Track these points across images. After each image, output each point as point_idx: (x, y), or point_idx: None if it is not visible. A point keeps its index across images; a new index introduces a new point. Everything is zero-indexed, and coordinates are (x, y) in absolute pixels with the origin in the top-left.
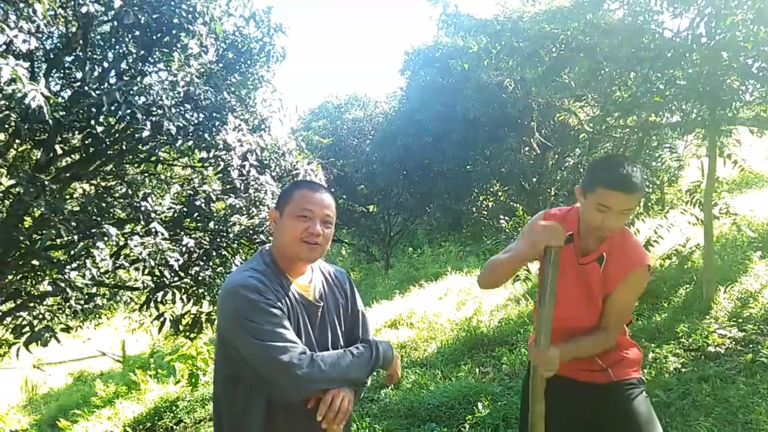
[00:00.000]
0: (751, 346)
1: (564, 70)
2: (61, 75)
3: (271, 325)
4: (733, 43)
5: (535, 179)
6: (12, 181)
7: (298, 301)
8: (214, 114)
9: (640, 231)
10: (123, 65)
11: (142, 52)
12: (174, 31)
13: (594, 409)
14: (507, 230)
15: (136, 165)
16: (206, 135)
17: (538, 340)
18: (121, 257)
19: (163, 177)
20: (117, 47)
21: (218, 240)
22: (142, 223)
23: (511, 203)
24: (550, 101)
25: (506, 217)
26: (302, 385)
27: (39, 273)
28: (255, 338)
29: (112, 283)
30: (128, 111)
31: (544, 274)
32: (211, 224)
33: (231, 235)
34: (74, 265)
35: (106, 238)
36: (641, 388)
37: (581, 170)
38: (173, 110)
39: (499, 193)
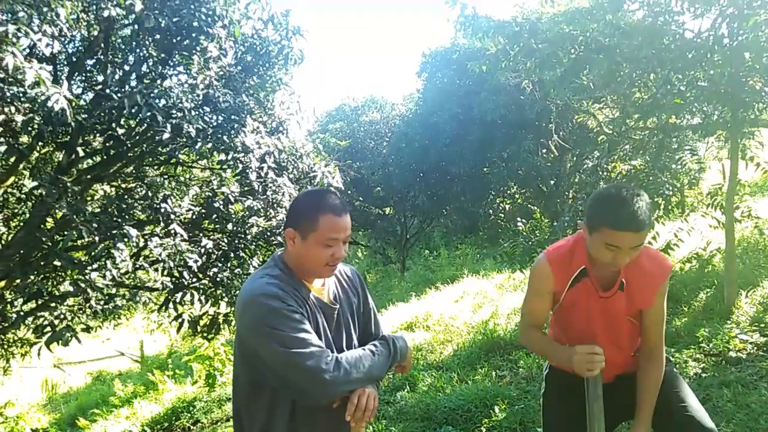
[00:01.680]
0: None
1: (583, 71)
2: (83, 78)
3: (296, 332)
4: (756, 43)
5: (552, 182)
6: (35, 183)
7: (316, 305)
8: (233, 116)
9: (659, 234)
10: (144, 68)
11: (163, 55)
12: (193, 35)
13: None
14: (524, 233)
15: (155, 167)
16: (225, 137)
17: None
18: (141, 258)
19: (182, 179)
20: (138, 50)
21: (236, 241)
22: (162, 224)
23: (529, 206)
24: (569, 103)
25: (523, 220)
26: (330, 389)
27: (60, 273)
28: (281, 346)
29: (132, 283)
30: (149, 113)
31: (587, 399)
32: (230, 226)
33: (249, 237)
34: (95, 265)
35: (126, 239)
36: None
37: (600, 173)
38: (193, 113)
39: (516, 196)
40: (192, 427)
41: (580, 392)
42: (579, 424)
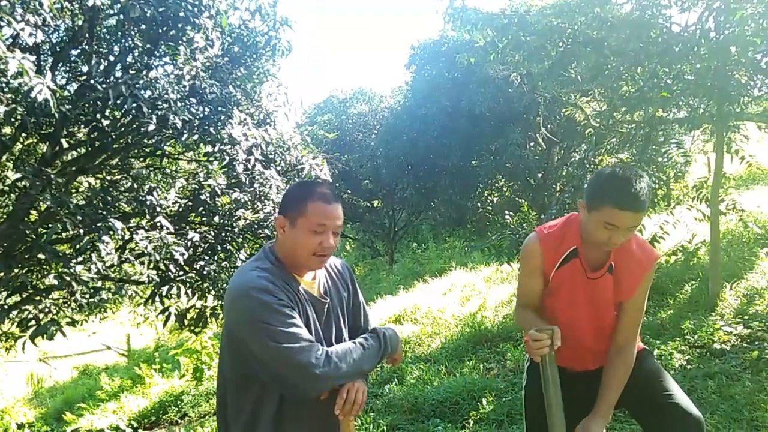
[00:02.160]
0: (756, 343)
1: (571, 64)
2: (68, 68)
3: (286, 326)
4: (742, 37)
5: (540, 175)
6: (18, 175)
7: (306, 298)
8: (220, 108)
9: (645, 227)
10: (129, 59)
11: (148, 45)
12: (180, 25)
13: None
14: (512, 225)
15: (141, 159)
16: (211, 129)
17: None
18: (127, 251)
19: (168, 171)
20: (123, 41)
21: (223, 234)
22: (148, 217)
23: (517, 199)
24: (557, 96)
25: (511, 213)
26: (320, 383)
27: (45, 267)
28: (272, 341)
29: (118, 277)
30: (134, 105)
31: (544, 383)
32: (216, 218)
33: (236, 230)
34: (80, 258)
35: (111, 232)
36: (647, 352)
37: (587, 166)
38: (179, 104)
39: (504, 189)
40: (179, 421)
41: (563, 384)
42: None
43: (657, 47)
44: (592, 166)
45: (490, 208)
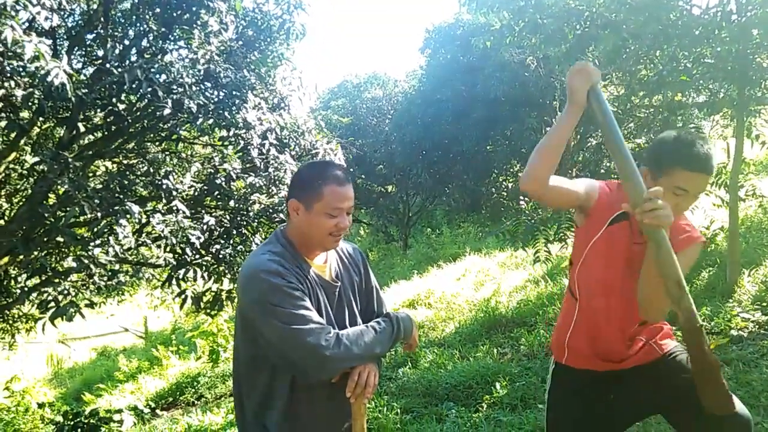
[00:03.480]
0: None
1: (588, 47)
2: (83, 53)
3: (296, 308)
4: (765, 20)
5: None
6: (36, 159)
7: (317, 282)
8: (234, 92)
9: None
10: (144, 43)
11: (163, 29)
12: (194, 8)
13: (653, 391)
14: (527, 211)
15: (157, 143)
16: (226, 113)
17: (629, 194)
18: (144, 235)
19: (183, 155)
20: (138, 25)
21: (238, 218)
22: (164, 201)
23: None
24: None
25: (526, 198)
26: (330, 365)
27: (63, 249)
28: (281, 322)
29: (135, 260)
30: (149, 89)
31: (598, 114)
32: (231, 203)
33: (251, 214)
34: (98, 242)
35: (128, 216)
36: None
37: (604, 151)
38: (193, 88)
39: (520, 174)
40: (196, 402)
41: (588, 392)
42: (585, 427)
43: (676, 30)
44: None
45: (505, 194)
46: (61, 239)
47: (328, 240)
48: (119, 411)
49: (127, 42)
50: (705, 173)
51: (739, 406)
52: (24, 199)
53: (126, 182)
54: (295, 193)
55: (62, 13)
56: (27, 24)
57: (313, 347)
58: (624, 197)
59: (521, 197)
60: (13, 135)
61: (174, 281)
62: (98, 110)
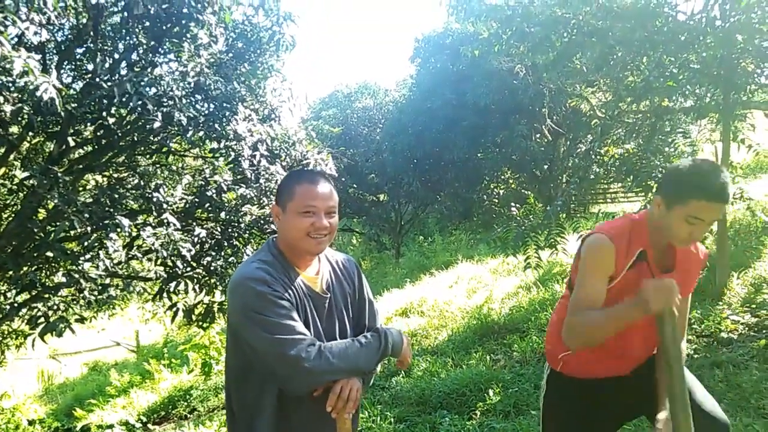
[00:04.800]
0: (764, 331)
1: (576, 55)
2: (73, 67)
3: (280, 317)
4: (748, 25)
5: (546, 166)
6: (26, 174)
7: (306, 293)
8: (225, 104)
9: None
10: (134, 56)
11: (152, 42)
12: (183, 21)
13: (646, 393)
14: (518, 218)
15: (147, 156)
16: (217, 125)
17: (671, 411)
18: (134, 248)
19: (174, 168)
20: (127, 38)
21: (230, 230)
22: (155, 213)
23: (523, 191)
24: (562, 87)
25: (517, 205)
26: (311, 378)
27: (53, 264)
28: (264, 331)
29: (126, 273)
30: (139, 102)
31: (664, 341)
32: (223, 214)
33: (242, 225)
34: (88, 256)
35: (118, 229)
36: None
37: (593, 157)
38: (184, 101)
39: (510, 181)
40: (189, 416)
41: (583, 397)
42: (580, 430)
43: (662, 36)
44: (598, 157)
45: (496, 201)
46: (51, 254)
47: (308, 242)
48: (111, 426)
49: (116, 56)
50: (722, 202)
51: (717, 411)
52: (13, 214)
53: (116, 196)
54: (276, 199)
55: (51, 27)
56: (16, 39)
57: (294, 359)
58: (636, 234)
59: (512, 204)
60: (2, 150)
61: (165, 294)
62: (88, 124)
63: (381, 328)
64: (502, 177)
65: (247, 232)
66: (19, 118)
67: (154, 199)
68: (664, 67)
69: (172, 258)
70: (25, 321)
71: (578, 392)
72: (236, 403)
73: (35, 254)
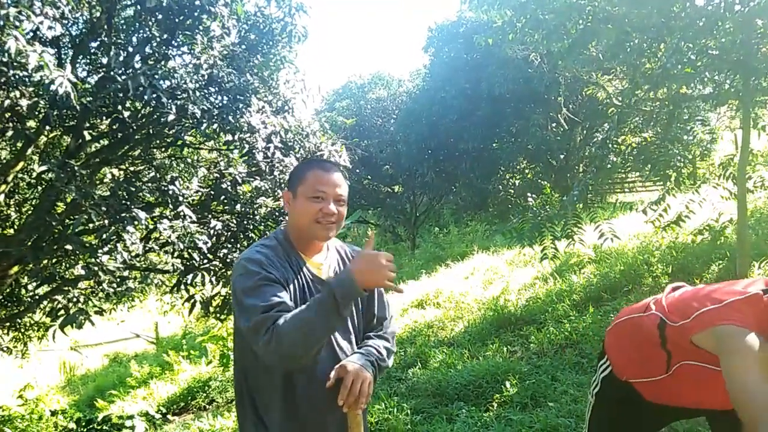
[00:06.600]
0: None
1: (591, 42)
2: (87, 61)
3: (255, 295)
4: None
5: (562, 156)
6: (44, 168)
7: (310, 279)
8: (238, 96)
9: (671, 206)
10: (147, 49)
11: (166, 35)
12: (196, 14)
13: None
14: (534, 208)
15: (162, 149)
16: (230, 118)
17: None
18: (151, 241)
19: (189, 161)
20: (141, 31)
21: (245, 222)
22: (171, 206)
23: (539, 181)
24: (578, 75)
25: (533, 195)
26: (272, 354)
27: (72, 257)
28: (236, 304)
29: (143, 266)
30: (153, 95)
31: None
32: (238, 207)
33: (257, 218)
34: (106, 249)
35: (135, 222)
36: None
37: (610, 146)
38: (197, 93)
39: (526, 171)
40: (207, 407)
41: (639, 402)
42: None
43: (680, 22)
44: (615, 145)
45: (512, 191)
46: (70, 247)
47: (316, 228)
48: (131, 417)
49: (130, 49)
50: None
51: None
52: (32, 208)
53: (133, 189)
54: (288, 185)
55: (65, 22)
56: (31, 34)
57: (250, 335)
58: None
59: (528, 194)
60: (20, 144)
61: (182, 286)
62: (103, 118)
63: (327, 279)
64: (518, 167)
65: (263, 224)
66: (36, 113)
67: (170, 192)
68: (681, 53)
69: (189, 250)
70: (46, 313)
71: (634, 397)
72: (243, 384)
73: (54, 247)
